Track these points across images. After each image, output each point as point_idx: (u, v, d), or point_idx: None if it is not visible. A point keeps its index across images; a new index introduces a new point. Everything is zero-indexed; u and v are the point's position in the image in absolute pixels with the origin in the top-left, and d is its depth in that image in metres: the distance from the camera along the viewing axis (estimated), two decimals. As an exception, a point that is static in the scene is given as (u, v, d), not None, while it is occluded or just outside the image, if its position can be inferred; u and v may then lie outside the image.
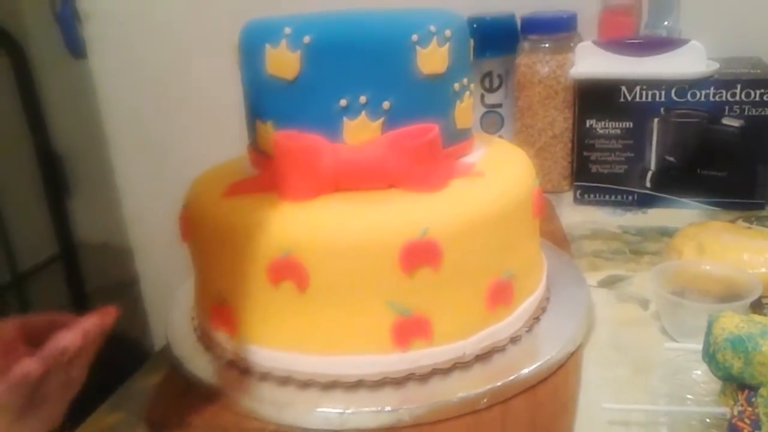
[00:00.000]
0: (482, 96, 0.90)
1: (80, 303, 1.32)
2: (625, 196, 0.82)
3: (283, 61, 0.51)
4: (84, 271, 1.34)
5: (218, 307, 0.54)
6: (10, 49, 1.16)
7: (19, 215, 1.30)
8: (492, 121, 0.91)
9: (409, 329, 0.49)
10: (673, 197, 0.81)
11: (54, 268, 1.32)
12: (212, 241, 0.52)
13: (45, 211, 1.32)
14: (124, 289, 1.21)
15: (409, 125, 0.52)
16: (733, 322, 0.42)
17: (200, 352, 0.56)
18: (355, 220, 0.49)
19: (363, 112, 0.51)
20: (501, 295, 0.52)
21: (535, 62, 0.84)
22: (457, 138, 0.56)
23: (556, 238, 0.74)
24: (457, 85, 0.55)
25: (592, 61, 0.80)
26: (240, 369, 0.52)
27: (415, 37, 0.51)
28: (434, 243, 0.48)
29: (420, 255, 0.48)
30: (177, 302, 0.63)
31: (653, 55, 0.78)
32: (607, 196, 0.83)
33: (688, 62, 0.76)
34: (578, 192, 0.84)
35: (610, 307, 0.62)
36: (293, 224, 0.49)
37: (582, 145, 0.82)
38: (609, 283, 0.66)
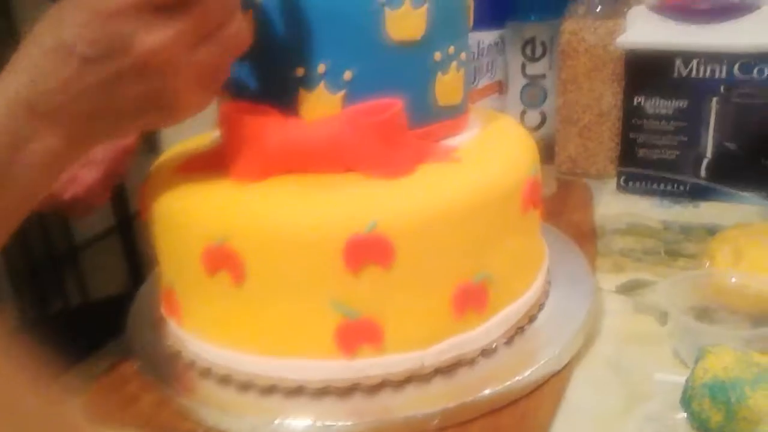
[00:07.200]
0: (523, 65, 0.80)
1: (136, 274, 1.33)
2: (675, 186, 0.72)
3: (233, 24, 0.46)
4: (140, 243, 1.34)
5: (167, 292, 0.50)
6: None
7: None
8: (533, 93, 0.81)
9: (356, 334, 0.43)
10: (732, 190, 0.70)
11: (110, 240, 1.33)
12: (157, 220, 0.48)
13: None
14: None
15: (375, 100, 0.45)
16: (722, 361, 0.34)
17: (156, 340, 0.52)
18: (296, 209, 0.43)
19: (321, 84, 0.45)
20: (471, 301, 0.45)
21: (581, 28, 0.74)
22: (437, 116, 0.49)
23: (582, 231, 0.65)
24: (438, 55, 0.47)
25: (644, 29, 0.69)
26: (184, 362, 0.48)
27: (382, -3, 0.44)
28: (384, 239, 0.41)
29: (367, 252, 0.41)
30: (149, 283, 0.59)
31: (717, 22, 0.66)
32: (654, 185, 0.73)
33: (756, 31, 0.65)
34: (622, 179, 0.74)
35: (623, 317, 0.54)
36: (230, 209, 0.44)
37: (628, 125, 0.72)
38: (629, 288, 0.57)
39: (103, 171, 0.60)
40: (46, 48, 0.39)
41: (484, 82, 0.79)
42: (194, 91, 0.41)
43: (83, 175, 0.59)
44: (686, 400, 0.34)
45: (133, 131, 0.42)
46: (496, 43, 0.79)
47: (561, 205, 0.71)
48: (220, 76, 0.43)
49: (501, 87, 0.82)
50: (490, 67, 0.79)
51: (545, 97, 0.82)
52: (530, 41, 0.80)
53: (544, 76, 0.81)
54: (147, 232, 0.50)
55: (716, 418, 0.32)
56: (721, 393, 0.32)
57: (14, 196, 0.41)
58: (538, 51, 0.80)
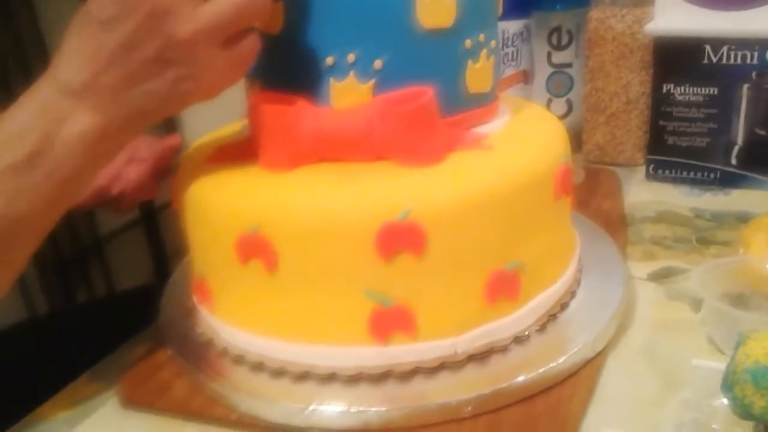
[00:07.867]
0: (549, 54, 0.80)
1: (160, 266, 1.33)
2: (705, 174, 0.71)
3: (265, 13, 0.46)
4: (164, 235, 1.35)
5: (199, 281, 0.50)
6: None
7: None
8: (560, 82, 0.81)
9: (389, 321, 0.43)
10: (763, 177, 0.69)
11: (135, 232, 1.34)
12: (189, 210, 0.48)
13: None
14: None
15: (405, 88, 0.45)
16: (764, 346, 0.34)
17: (188, 327, 0.52)
18: (328, 197, 0.43)
19: (351, 73, 0.45)
20: (504, 289, 0.45)
21: (608, 16, 0.74)
22: (468, 104, 0.48)
23: (612, 219, 0.65)
24: (469, 42, 0.47)
25: (673, 16, 0.69)
26: (217, 350, 0.49)
27: (412, -15, 0.44)
28: (417, 227, 0.41)
29: (400, 240, 0.42)
30: (179, 273, 0.60)
31: (747, 7, 0.65)
32: (684, 173, 0.72)
33: (788, 17, 0.64)
34: (651, 167, 0.74)
35: (655, 305, 0.53)
36: (262, 198, 0.44)
37: (658, 113, 0.71)
38: (661, 276, 0.57)
39: (149, 167, 0.61)
40: (76, 28, 0.41)
41: (509, 71, 0.79)
42: (214, 52, 0.42)
43: (128, 171, 0.61)
44: (728, 386, 0.34)
45: (166, 107, 0.43)
46: (521, 33, 0.79)
47: (590, 193, 0.70)
48: (244, 44, 0.43)
49: (526, 76, 0.81)
50: (515, 57, 0.79)
51: (572, 86, 0.81)
52: (556, 30, 0.80)
53: (570, 64, 0.81)
54: (178, 221, 0.51)
55: (760, 403, 0.32)
56: (764, 378, 0.32)
57: (57, 180, 0.42)
58: (564, 39, 0.80)
